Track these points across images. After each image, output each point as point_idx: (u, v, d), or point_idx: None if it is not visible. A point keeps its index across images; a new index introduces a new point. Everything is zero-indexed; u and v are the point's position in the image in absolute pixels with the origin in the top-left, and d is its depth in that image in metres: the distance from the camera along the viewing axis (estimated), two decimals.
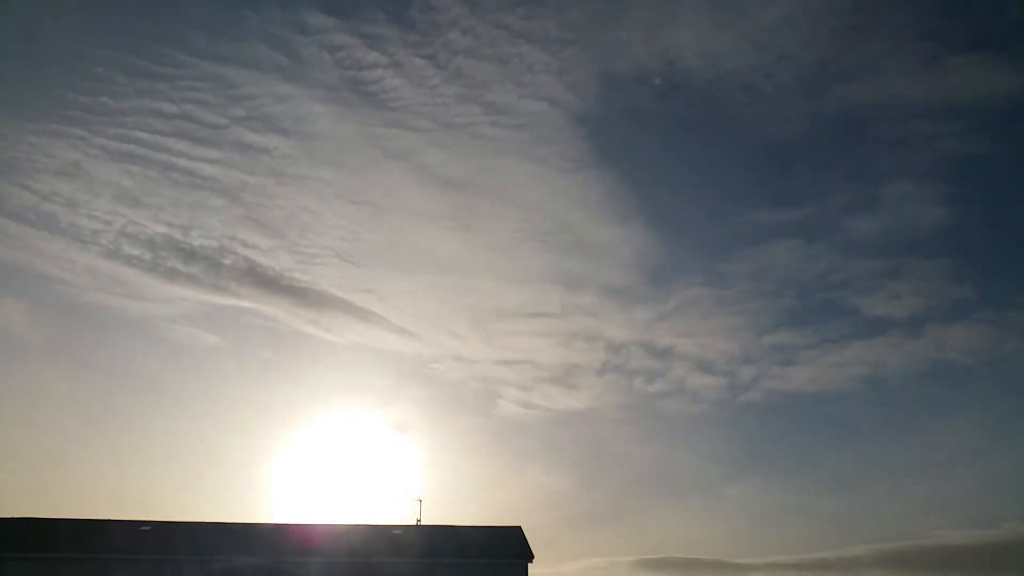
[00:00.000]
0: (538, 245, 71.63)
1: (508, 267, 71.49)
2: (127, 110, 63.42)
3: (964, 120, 68.48)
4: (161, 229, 60.51)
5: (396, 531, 32.12)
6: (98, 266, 59.20)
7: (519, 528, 32.51)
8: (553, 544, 51.45)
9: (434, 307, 68.87)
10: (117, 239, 59.24)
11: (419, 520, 33.46)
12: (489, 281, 70.08)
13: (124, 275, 59.10)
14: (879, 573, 51.53)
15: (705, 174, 78.20)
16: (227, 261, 60.60)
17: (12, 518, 30.31)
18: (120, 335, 63.11)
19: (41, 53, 64.62)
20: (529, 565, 29.84)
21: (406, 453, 54.89)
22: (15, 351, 58.58)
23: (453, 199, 70.12)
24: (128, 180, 60.84)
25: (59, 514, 30.97)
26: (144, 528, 30.62)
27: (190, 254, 59.75)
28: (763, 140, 74.48)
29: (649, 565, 50.63)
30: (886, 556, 51.52)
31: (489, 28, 68.75)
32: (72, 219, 59.20)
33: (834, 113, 72.00)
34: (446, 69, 68.53)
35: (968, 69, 67.15)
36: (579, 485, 62.62)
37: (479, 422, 65.17)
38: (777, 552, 54.30)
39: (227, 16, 69.61)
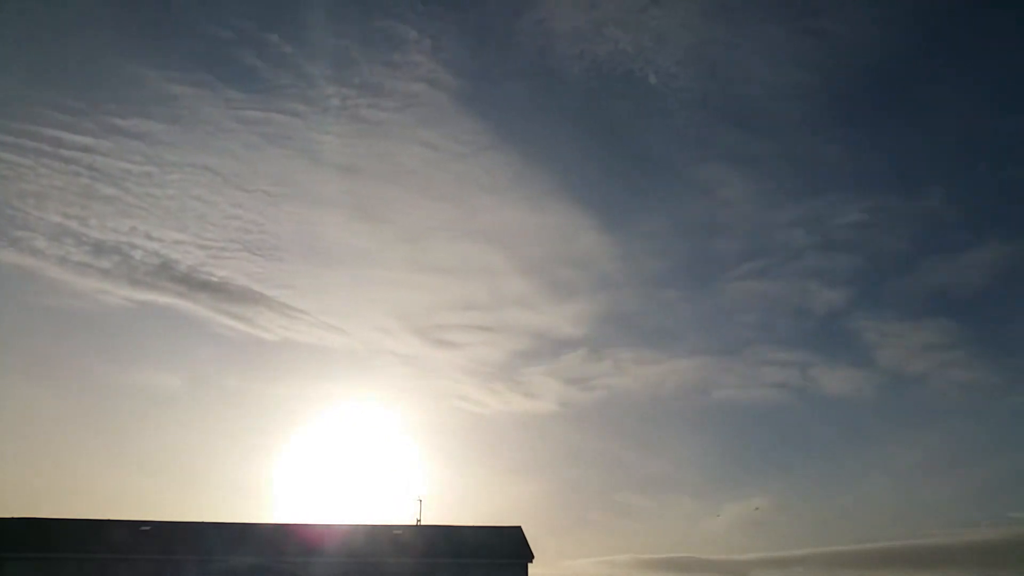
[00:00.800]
0: (449, 234, 68.86)
1: (423, 258, 68.49)
2: None
3: None
4: (55, 219, 56.10)
5: (396, 531, 32.14)
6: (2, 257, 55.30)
7: (519, 528, 32.52)
8: (549, 544, 51.24)
9: (354, 301, 66.46)
10: (7, 228, 55.31)
11: (419, 520, 33.53)
12: (406, 273, 67.48)
13: (34, 268, 55.49)
14: (873, 572, 51.65)
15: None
16: (137, 255, 57.67)
17: (12, 518, 30.29)
18: (46, 328, 60.33)
19: None
20: (529, 565, 29.87)
21: (393, 453, 54.24)
22: None
23: (350, 186, 66.52)
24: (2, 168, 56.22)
25: (59, 514, 31.03)
26: (144, 528, 30.62)
27: (97, 247, 56.51)
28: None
29: (648, 565, 50.65)
30: (876, 555, 51.61)
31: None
32: None
33: None
34: (303, 46, 63.87)
35: None
36: (554, 485, 61.80)
37: (432, 419, 63.75)
38: (769, 550, 54.18)
39: None
